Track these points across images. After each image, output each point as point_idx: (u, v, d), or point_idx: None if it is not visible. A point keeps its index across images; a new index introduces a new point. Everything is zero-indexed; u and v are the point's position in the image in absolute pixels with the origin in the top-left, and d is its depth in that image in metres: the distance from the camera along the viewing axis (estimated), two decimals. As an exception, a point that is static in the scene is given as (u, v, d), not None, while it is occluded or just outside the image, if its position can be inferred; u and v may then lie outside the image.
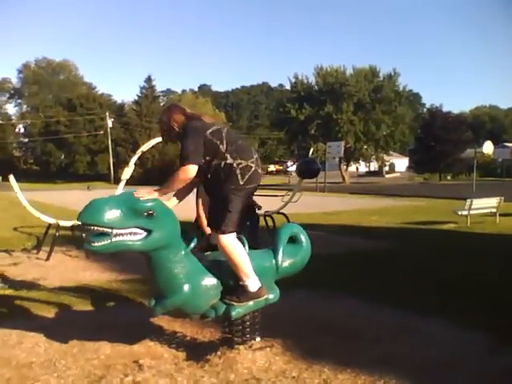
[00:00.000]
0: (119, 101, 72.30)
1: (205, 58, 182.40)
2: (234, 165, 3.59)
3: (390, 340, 4.28)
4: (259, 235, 5.87)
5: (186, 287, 3.55)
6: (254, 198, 4.82)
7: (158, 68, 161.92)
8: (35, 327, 4.58)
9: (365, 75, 48.16)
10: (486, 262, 7.77)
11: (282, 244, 4.10)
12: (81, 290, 6.11)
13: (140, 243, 3.32)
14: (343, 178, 47.50)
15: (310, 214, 15.17)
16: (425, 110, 72.59)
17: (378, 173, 67.25)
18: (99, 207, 3.20)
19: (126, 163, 8.97)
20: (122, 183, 8.96)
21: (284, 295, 4.19)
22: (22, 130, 75.35)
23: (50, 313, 5.17)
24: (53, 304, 5.46)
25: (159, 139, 9.51)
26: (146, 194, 3.37)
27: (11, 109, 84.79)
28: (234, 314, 3.71)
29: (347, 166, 50.61)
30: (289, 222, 8.28)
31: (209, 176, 3.66)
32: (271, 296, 3.99)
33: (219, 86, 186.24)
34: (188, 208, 5.14)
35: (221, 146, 3.58)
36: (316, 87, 49.26)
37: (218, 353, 3.88)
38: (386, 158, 55.97)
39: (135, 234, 3.29)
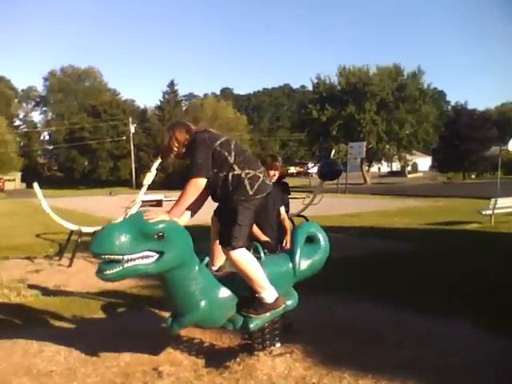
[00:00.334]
0: (142, 106, 73.12)
1: (227, 61, 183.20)
2: (243, 175, 3.57)
3: (412, 344, 4.19)
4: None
5: (203, 303, 3.51)
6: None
7: (181, 72, 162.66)
8: (56, 335, 4.62)
9: (388, 74, 47.67)
10: (510, 262, 7.58)
11: (299, 246, 4.01)
12: (102, 297, 6.14)
13: (153, 266, 3.28)
14: (365, 179, 47.08)
15: (330, 216, 15.03)
16: (450, 107, 71.54)
17: (401, 173, 66.45)
18: (108, 235, 3.17)
19: (148, 168, 9.01)
20: (144, 188, 9.03)
21: (303, 300, 4.15)
22: (47, 137, 76.75)
23: (70, 320, 5.21)
24: (74, 311, 5.49)
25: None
26: (155, 216, 3.31)
27: (37, 116, 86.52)
28: (252, 326, 3.68)
29: (369, 166, 50.18)
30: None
31: (217, 189, 3.62)
32: (289, 302, 3.94)
33: (241, 89, 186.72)
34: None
35: (229, 158, 3.56)
36: (338, 87, 48.96)
37: (238, 359, 3.85)
38: (408, 157, 55.32)
39: (147, 257, 3.26)
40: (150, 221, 3.27)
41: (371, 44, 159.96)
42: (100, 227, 3.32)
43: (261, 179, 3.65)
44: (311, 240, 4.15)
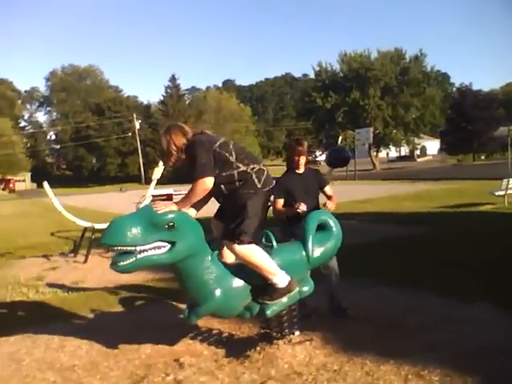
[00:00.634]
0: (145, 102, 73.21)
1: (227, 53, 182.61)
2: (249, 170, 3.61)
3: (432, 328, 4.18)
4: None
5: (218, 292, 3.52)
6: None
7: (182, 66, 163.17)
8: (77, 330, 4.67)
9: (390, 58, 47.40)
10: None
11: (310, 233, 4.00)
12: (119, 291, 6.19)
13: (166, 256, 3.31)
14: (374, 165, 46.95)
15: (340, 203, 14.88)
16: (454, 89, 70.97)
17: (410, 157, 66.18)
18: (120, 227, 3.20)
19: (156, 163, 9.05)
20: (153, 183, 9.07)
21: (319, 287, 4.15)
22: (54, 137, 77.17)
23: (90, 315, 5.25)
24: (92, 306, 5.54)
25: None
26: (164, 207, 3.33)
27: (41, 117, 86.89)
28: (269, 312, 3.68)
29: (377, 152, 50.04)
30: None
31: (222, 187, 3.60)
32: (305, 288, 3.95)
33: (243, 80, 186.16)
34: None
35: (230, 158, 3.57)
36: (341, 74, 48.76)
37: (258, 348, 3.86)
38: (416, 141, 55.03)
39: (159, 247, 3.28)
40: (160, 211, 3.29)
41: (371, 29, 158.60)
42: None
43: (266, 172, 3.70)
44: (323, 227, 4.14)
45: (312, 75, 53.97)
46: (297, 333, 4.06)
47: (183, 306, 4.29)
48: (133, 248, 3.18)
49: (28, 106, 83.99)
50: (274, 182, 3.82)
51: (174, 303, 5.42)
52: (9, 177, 60.38)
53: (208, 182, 3.43)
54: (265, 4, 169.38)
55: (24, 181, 62.15)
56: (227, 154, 3.57)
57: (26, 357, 4.12)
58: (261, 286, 3.67)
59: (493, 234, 8.53)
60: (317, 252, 4.00)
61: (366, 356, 3.66)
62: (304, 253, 3.95)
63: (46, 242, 11.25)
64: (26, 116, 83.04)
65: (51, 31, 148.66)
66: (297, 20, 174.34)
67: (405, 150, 68.88)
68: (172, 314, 4.94)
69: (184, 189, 5.63)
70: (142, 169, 57.44)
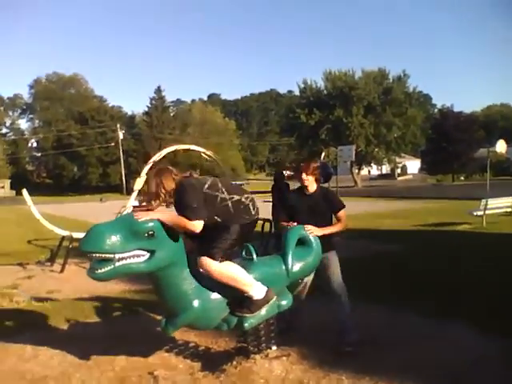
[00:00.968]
0: (129, 112, 72.87)
1: (213, 66, 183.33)
2: (243, 199, 3.67)
3: (408, 345, 4.20)
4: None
5: (196, 303, 3.50)
6: (265, 204, 4.74)
7: (168, 78, 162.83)
8: (50, 340, 4.58)
9: (374, 78, 48.07)
10: (504, 262, 7.63)
11: (290, 248, 4.00)
12: (95, 302, 6.10)
13: (144, 265, 3.28)
14: (355, 182, 47.31)
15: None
16: (436, 110, 72.12)
17: (390, 175, 66.86)
18: (99, 234, 3.17)
19: (138, 174, 9.00)
20: (135, 193, 9.00)
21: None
22: (35, 145, 76.22)
23: (64, 325, 5.16)
24: (67, 316, 5.45)
25: (170, 149, 9.59)
26: (145, 215, 3.31)
27: (23, 124, 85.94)
28: (246, 325, 3.66)
29: (359, 169, 50.44)
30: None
31: (216, 218, 3.59)
32: (284, 302, 3.93)
33: (228, 94, 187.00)
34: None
35: (222, 195, 3.59)
36: (325, 91, 49.25)
37: (234, 362, 3.83)
38: (397, 160, 55.66)
39: (138, 256, 3.25)
40: (140, 220, 3.26)
41: (355, 49, 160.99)
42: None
43: (256, 203, 3.77)
44: (303, 243, 4.14)
45: (297, 92, 54.48)
46: (274, 347, 4.03)
47: (160, 318, 4.25)
48: (111, 255, 3.14)
49: (10, 113, 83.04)
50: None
51: (151, 315, 5.37)
52: (-13, 183, 59.60)
53: (197, 226, 3.41)
54: (252, 20, 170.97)
55: (3, 188, 61.19)
56: (218, 193, 3.59)
57: (-4, 366, 4.02)
58: (238, 299, 3.65)
59: (469, 253, 8.64)
60: (296, 266, 3.99)
61: (342, 372, 3.66)
62: (284, 266, 3.94)
63: (23, 249, 11.07)
64: (8, 123, 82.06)
65: (36, 39, 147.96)
66: (283, 37, 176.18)
67: (386, 169, 69.60)
68: (148, 326, 4.87)
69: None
70: (123, 179, 57.01)
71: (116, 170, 60.14)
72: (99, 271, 3.18)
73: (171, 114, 67.94)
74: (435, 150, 50.57)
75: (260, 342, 3.94)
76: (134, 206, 9.58)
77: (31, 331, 4.90)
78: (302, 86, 50.38)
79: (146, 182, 3.74)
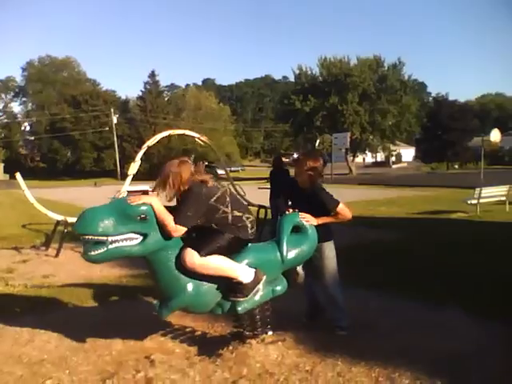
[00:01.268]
0: (123, 97, 72.29)
1: (208, 51, 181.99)
2: (244, 218, 3.69)
3: (405, 331, 4.24)
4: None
5: (190, 286, 3.52)
6: (260, 191, 4.73)
7: (162, 63, 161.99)
8: (46, 324, 4.58)
9: (369, 65, 47.81)
10: (497, 250, 7.69)
11: (285, 234, 4.01)
12: (90, 287, 6.10)
13: (137, 248, 3.33)
14: (350, 170, 47.31)
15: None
16: (430, 99, 72.11)
17: (385, 163, 66.96)
18: (92, 217, 3.22)
19: (132, 159, 8.97)
20: (129, 178, 8.97)
21: (294, 288, 4.15)
22: (28, 128, 75.64)
23: (60, 310, 5.17)
24: (63, 301, 5.46)
25: (164, 134, 9.55)
26: (138, 199, 3.34)
27: (16, 107, 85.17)
28: (240, 309, 3.68)
29: (354, 157, 50.39)
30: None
31: (213, 225, 3.61)
32: (279, 288, 3.95)
33: (223, 79, 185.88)
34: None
35: (225, 209, 3.60)
36: (320, 78, 48.98)
37: (230, 347, 3.84)
38: (392, 148, 55.67)
39: (131, 239, 3.31)
40: (133, 203, 3.30)
41: (351, 36, 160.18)
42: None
43: (255, 225, 3.78)
44: (299, 230, 4.15)
45: (292, 78, 54.15)
46: (270, 332, 4.05)
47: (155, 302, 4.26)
48: (104, 238, 3.20)
49: (3, 96, 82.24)
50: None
51: (147, 300, 5.37)
52: (-19, 167, 59.20)
53: (178, 231, 3.42)
54: (247, 5, 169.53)
55: (-4, 171, 60.91)
56: (222, 207, 3.60)
57: (-8, 350, 4.03)
58: (230, 285, 3.67)
59: (465, 240, 8.71)
60: (291, 253, 4.00)
61: (337, 357, 3.69)
62: (278, 253, 3.95)
63: (17, 234, 11.05)
64: (1, 106, 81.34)
65: (29, 21, 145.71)
66: (278, 22, 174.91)
67: (380, 156, 69.66)
68: (144, 311, 4.85)
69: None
70: (117, 164, 56.80)
71: (110, 155, 59.83)
72: (92, 253, 3.23)
73: (165, 99, 67.51)
74: (430, 138, 50.65)
75: (256, 327, 3.96)
76: (129, 191, 9.58)
77: (27, 315, 4.91)
78: (297, 72, 50.09)
79: (164, 169, 3.64)
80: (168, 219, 3.38)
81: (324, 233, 4.25)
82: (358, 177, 41.09)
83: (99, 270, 7.10)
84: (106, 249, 3.22)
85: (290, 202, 4.50)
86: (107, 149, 60.36)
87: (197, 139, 9.84)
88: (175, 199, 3.63)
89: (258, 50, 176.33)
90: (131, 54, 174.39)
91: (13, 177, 11.12)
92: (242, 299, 3.66)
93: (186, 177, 3.57)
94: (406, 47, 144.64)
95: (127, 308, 5.19)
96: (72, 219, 8.55)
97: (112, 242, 3.23)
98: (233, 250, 3.69)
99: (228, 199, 3.66)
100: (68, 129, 59.96)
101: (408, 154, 73.04)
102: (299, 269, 4.32)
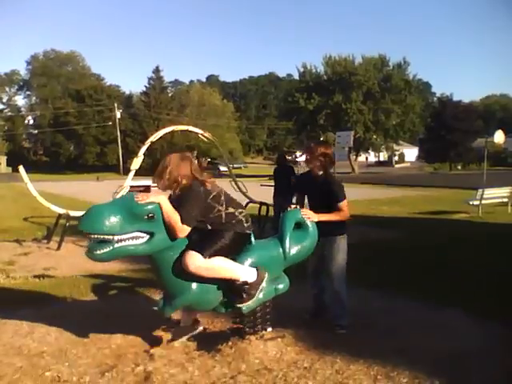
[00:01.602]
0: (127, 92, 72.32)
1: (212, 48, 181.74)
2: (236, 213, 3.70)
3: (404, 330, 4.24)
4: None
5: (194, 285, 3.52)
6: (262, 188, 4.74)
7: (166, 59, 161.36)
8: (46, 317, 4.59)
9: (374, 64, 47.70)
10: (498, 251, 7.68)
11: (287, 231, 4.02)
12: (91, 280, 6.12)
13: (143, 247, 3.31)
14: (352, 168, 47.26)
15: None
16: (435, 99, 71.89)
17: (388, 163, 66.86)
18: (98, 215, 3.16)
19: (135, 154, 8.99)
20: (132, 173, 8.99)
21: (296, 286, 4.16)
22: (32, 122, 75.73)
23: (60, 302, 5.18)
24: (63, 293, 5.47)
25: (168, 130, 9.55)
26: (146, 198, 3.32)
27: (20, 100, 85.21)
28: (244, 308, 3.69)
29: (357, 155, 50.32)
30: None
31: (208, 226, 3.63)
32: (281, 286, 3.96)
33: (227, 76, 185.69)
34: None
35: (218, 207, 3.62)
36: (325, 76, 48.88)
37: (229, 343, 3.85)
38: (395, 147, 55.59)
39: (137, 238, 3.27)
40: (140, 202, 3.27)
41: (356, 34, 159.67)
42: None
43: (249, 219, 3.81)
44: (300, 226, 4.15)
45: (296, 76, 54.08)
46: (269, 329, 4.07)
47: (157, 297, 4.28)
48: (110, 237, 3.14)
49: (7, 89, 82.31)
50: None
51: (147, 294, 5.39)
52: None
53: (184, 230, 3.43)
54: (252, 2, 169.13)
55: None
56: (217, 205, 3.62)
57: (-8, 341, 4.04)
58: (234, 289, 3.66)
59: (466, 241, 8.70)
60: (293, 250, 4.01)
61: (336, 355, 3.69)
62: (281, 250, 3.96)
63: (19, 226, 11.09)
64: (5, 99, 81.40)
65: (34, 15, 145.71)
66: (283, 19, 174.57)
67: (383, 156, 69.55)
68: (144, 305, 4.89)
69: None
70: (120, 159, 56.82)
71: (113, 150, 59.89)
72: (97, 252, 3.19)
73: (169, 95, 67.52)
74: (433, 138, 50.51)
75: (255, 324, 3.97)
76: (131, 186, 9.61)
77: (27, 307, 4.91)
78: (302, 70, 50.00)
79: (162, 168, 3.64)
80: (176, 219, 3.37)
81: (337, 226, 4.27)
82: (360, 176, 41.03)
83: (101, 263, 7.10)
84: (111, 248, 3.18)
85: (305, 196, 4.52)
86: (110, 143, 60.42)
87: (200, 135, 9.85)
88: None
89: (263, 47, 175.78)
90: (136, 50, 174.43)
91: (16, 170, 11.15)
92: (249, 302, 3.65)
93: (184, 172, 3.57)
94: (411, 46, 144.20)
95: (127, 302, 5.19)
96: (74, 213, 8.59)
97: (118, 241, 3.19)
98: (235, 247, 3.70)
99: (223, 198, 3.68)
100: (71, 123, 60.05)
101: (411, 153, 72.89)
102: None
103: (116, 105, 59.22)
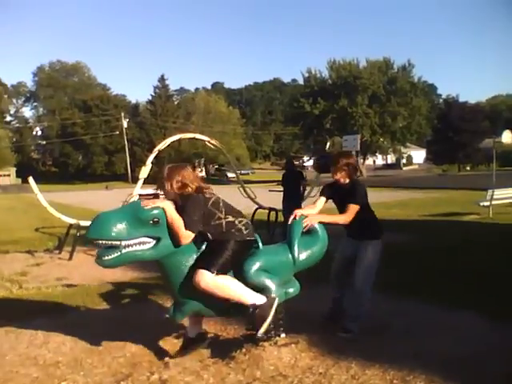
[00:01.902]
0: (133, 101, 72.69)
1: (217, 55, 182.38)
2: (236, 222, 3.72)
3: (419, 334, 4.21)
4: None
5: None
6: (271, 193, 4.75)
7: (171, 67, 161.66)
8: (61, 326, 4.60)
9: (379, 67, 47.69)
10: (511, 252, 7.62)
11: (296, 236, 4.03)
12: (104, 289, 6.14)
13: (150, 252, 3.36)
14: (360, 172, 46.79)
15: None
16: (441, 100, 71.66)
17: (396, 165, 66.69)
18: (105, 221, 3.23)
19: (143, 162, 9.03)
20: (140, 182, 9.02)
21: (307, 290, 4.15)
22: (40, 133, 76.29)
23: (74, 312, 5.20)
24: (77, 303, 5.49)
25: (175, 138, 9.59)
26: (152, 204, 3.38)
27: (27, 112, 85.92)
28: (259, 334, 3.65)
29: (364, 159, 50.25)
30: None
31: (209, 235, 3.67)
32: (291, 290, 3.97)
33: (232, 83, 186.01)
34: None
35: (219, 214, 3.66)
36: (330, 81, 48.93)
37: (243, 350, 3.84)
38: (403, 150, 55.47)
39: (144, 243, 3.33)
40: (146, 207, 3.33)
41: (360, 38, 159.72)
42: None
43: (250, 225, 3.83)
44: (310, 232, 4.16)
45: (301, 81, 54.17)
46: (283, 335, 4.05)
47: (168, 305, 4.28)
48: (118, 242, 3.21)
49: (14, 101, 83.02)
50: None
51: (160, 302, 5.40)
52: (-6, 171, 59.79)
53: (188, 236, 3.46)
54: (256, 8, 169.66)
55: (9, 176, 61.36)
56: (217, 211, 3.65)
57: (8, 352, 4.07)
58: (251, 317, 3.66)
59: (479, 243, 8.63)
60: (303, 255, 4.02)
61: (351, 360, 3.67)
62: (290, 255, 3.97)
63: (31, 237, 11.15)
64: (12, 111, 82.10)
65: (39, 26, 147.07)
66: (287, 25, 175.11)
67: (391, 159, 69.42)
68: (157, 313, 4.89)
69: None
70: (128, 168, 57.07)
71: (121, 159, 60.20)
72: (106, 258, 3.25)
73: (175, 103, 67.82)
74: (441, 140, 50.32)
75: (269, 330, 3.96)
76: (140, 195, 9.65)
77: (42, 317, 4.94)
78: (306, 75, 50.07)
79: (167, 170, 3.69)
80: (180, 224, 3.41)
81: (371, 230, 4.35)
82: (368, 179, 40.90)
83: (112, 272, 7.12)
84: (119, 253, 3.24)
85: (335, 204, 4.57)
86: (118, 153, 60.74)
87: (207, 143, 9.88)
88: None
89: (267, 53, 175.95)
90: (141, 59, 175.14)
91: (25, 181, 11.23)
92: (265, 326, 3.60)
93: (190, 178, 3.63)
94: (416, 48, 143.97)
95: (141, 310, 5.20)
96: (84, 222, 8.62)
97: (125, 247, 3.24)
98: (239, 256, 3.71)
99: (221, 204, 3.71)
100: (79, 133, 60.45)
101: (419, 155, 72.61)
102: None
103: (122, 114, 59.58)
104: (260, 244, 3.90)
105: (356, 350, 3.83)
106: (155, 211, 3.34)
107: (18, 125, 76.57)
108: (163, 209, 3.39)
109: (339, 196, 4.40)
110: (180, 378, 3.49)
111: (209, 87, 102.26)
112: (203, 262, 3.54)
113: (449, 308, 4.85)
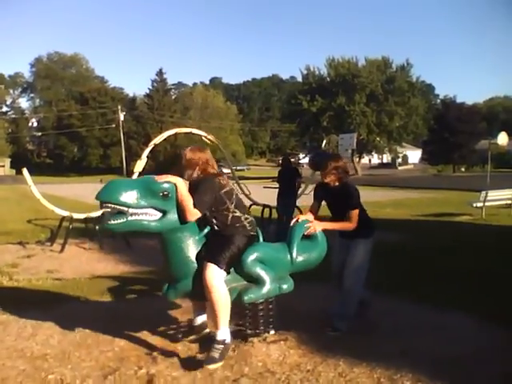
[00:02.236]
0: (131, 94, 72.51)
1: (215, 50, 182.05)
2: (242, 218, 3.79)
3: (407, 333, 4.22)
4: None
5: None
6: (265, 190, 4.77)
7: (169, 61, 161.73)
8: (49, 319, 4.59)
9: (377, 66, 47.80)
10: (501, 254, 7.65)
11: (296, 239, 4.10)
12: (95, 282, 6.12)
13: (155, 223, 3.42)
14: (356, 170, 47.24)
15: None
16: (438, 101, 71.83)
17: (391, 165, 66.82)
18: (117, 187, 3.33)
19: (139, 156, 9.00)
20: (135, 176, 8.99)
21: (299, 288, 4.15)
22: (35, 124, 76.03)
23: (63, 305, 5.17)
24: (66, 296, 5.48)
25: (171, 132, 9.56)
26: (164, 177, 3.48)
27: (24, 103, 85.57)
28: (246, 298, 3.72)
29: (360, 157, 50.37)
30: (301, 214, 8.23)
31: (214, 221, 3.75)
32: (285, 286, 3.99)
33: (230, 78, 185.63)
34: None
35: (228, 204, 3.73)
36: (328, 79, 48.97)
37: (232, 346, 3.83)
38: (399, 149, 55.56)
39: (151, 214, 3.40)
40: (158, 180, 3.43)
41: (359, 36, 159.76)
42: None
43: (254, 223, 3.90)
44: (309, 237, 4.22)
45: (299, 78, 54.21)
46: (272, 332, 4.07)
47: (159, 300, 4.28)
48: (125, 209, 3.28)
49: (11, 91, 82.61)
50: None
51: (150, 296, 5.39)
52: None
53: (195, 214, 3.51)
54: (256, 4, 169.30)
55: (3, 166, 61.19)
56: (227, 201, 3.72)
57: (-5, 344, 4.04)
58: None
59: (470, 243, 8.67)
60: (300, 257, 4.08)
61: (339, 357, 3.68)
62: (288, 255, 4.03)
63: (23, 229, 11.09)
64: (9, 101, 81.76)
65: (38, 17, 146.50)
66: (286, 22, 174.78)
67: (387, 158, 69.52)
68: (147, 307, 4.90)
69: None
70: (124, 161, 56.91)
71: (116, 152, 60.00)
72: (112, 222, 3.33)
73: (172, 97, 67.70)
74: (437, 140, 50.48)
75: (258, 326, 3.97)
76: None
77: (30, 310, 4.90)
78: (305, 72, 50.12)
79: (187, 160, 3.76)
80: (188, 201, 3.47)
81: (362, 230, 4.30)
82: (363, 178, 40.99)
83: (103, 266, 7.14)
84: (125, 219, 3.31)
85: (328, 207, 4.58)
86: (113, 146, 60.57)
87: (203, 138, 9.86)
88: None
89: (266, 49, 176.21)
90: (139, 52, 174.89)
91: (19, 172, 11.16)
92: (214, 367, 3.47)
93: (212, 161, 3.80)
94: (415, 48, 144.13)
95: (130, 304, 5.20)
96: (77, 215, 8.62)
97: (132, 214, 3.31)
98: (243, 250, 3.77)
99: (234, 197, 3.78)
100: (75, 125, 60.26)
101: (414, 155, 72.78)
102: None
103: (119, 107, 59.32)
104: (261, 238, 3.98)
105: (344, 348, 3.84)
106: (166, 185, 3.42)
107: (14, 115, 76.23)
108: (175, 184, 3.46)
109: (331, 197, 4.42)
110: (167, 373, 3.48)
111: (207, 82, 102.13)
112: (212, 256, 3.59)
113: (438, 308, 4.86)
